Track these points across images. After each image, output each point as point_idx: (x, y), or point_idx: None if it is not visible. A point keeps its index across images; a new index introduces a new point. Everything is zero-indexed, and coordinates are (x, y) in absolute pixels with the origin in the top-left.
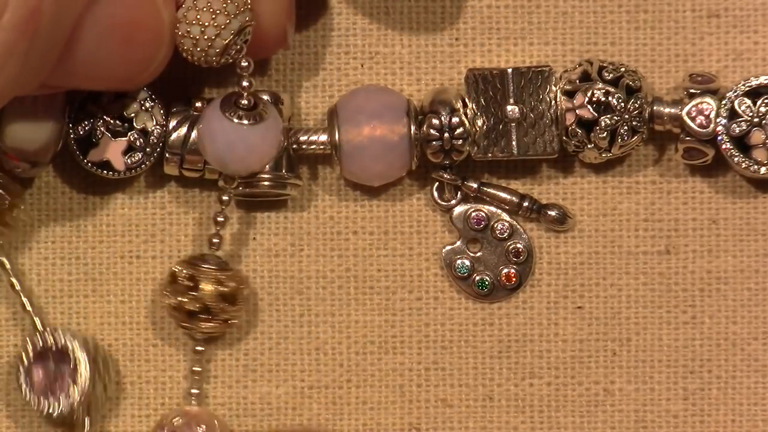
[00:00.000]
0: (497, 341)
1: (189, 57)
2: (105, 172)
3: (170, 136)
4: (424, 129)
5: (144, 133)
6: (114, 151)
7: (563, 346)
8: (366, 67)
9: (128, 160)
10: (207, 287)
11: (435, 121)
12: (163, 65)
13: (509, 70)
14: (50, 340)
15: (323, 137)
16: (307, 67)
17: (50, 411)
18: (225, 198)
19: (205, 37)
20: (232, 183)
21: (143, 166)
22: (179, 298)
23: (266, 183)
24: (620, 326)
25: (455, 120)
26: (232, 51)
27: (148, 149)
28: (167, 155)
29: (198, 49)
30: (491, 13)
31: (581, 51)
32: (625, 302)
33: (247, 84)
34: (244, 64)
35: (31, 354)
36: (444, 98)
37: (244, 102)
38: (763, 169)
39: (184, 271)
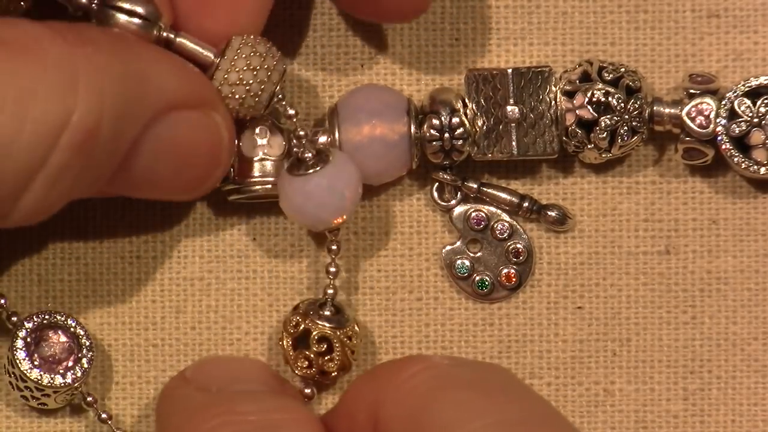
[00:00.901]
0: (497, 341)
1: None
2: None
3: None
4: (424, 129)
5: None
6: None
7: (563, 346)
8: (366, 67)
9: None
10: (317, 347)
11: (435, 122)
12: (220, 180)
13: (509, 71)
14: (58, 319)
15: (323, 138)
16: (307, 67)
17: (45, 383)
18: (333, 248)
19: (251, 95)
20: (336, 233)
21: None
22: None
23: (270, 186)
24: (620, 326)
25: (455, 120)
26: (274, 101)
27: None
28: None
29: (244, 107)
30: (491, 13)
31: (581, 51)
32: (625, 302)
33: (303, 133)
34: (291, 112)
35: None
36: (444, 98)
37: (308, 155)
38: (762, 170)
39: (297, 318)
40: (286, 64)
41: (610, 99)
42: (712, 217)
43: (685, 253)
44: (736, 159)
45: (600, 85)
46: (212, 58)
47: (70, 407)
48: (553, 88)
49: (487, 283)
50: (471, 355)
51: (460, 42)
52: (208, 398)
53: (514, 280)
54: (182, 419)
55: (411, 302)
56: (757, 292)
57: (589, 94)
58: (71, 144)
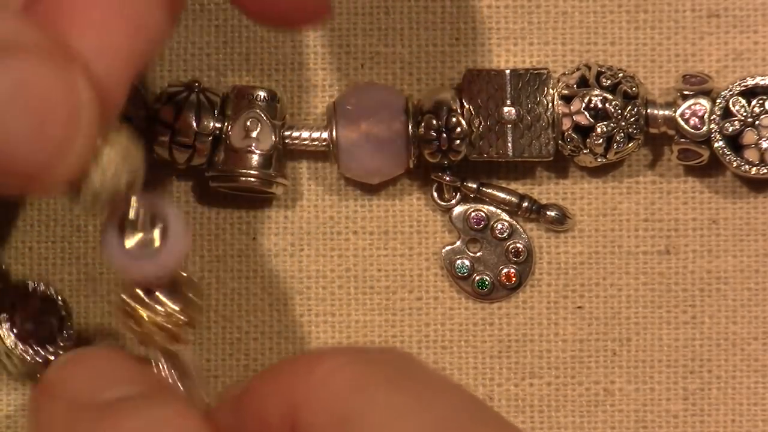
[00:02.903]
0: (497, 341)
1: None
2: None
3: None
4: (422, 129)
5: (127, 119)
6: None
7: (563, 346)
8: (366, 67)
9: None
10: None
11: (432, 121)
12: (82, 160)
13: (507, 72)
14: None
15: (318, 134)
16: (307, 67)
17: (30, 360)
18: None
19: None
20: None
21: None
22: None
23: (253, 180)
24: (620, 326)
25: (452, 120)
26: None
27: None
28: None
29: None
30: (491, 13)
31: (581, 51)
32: (625, 302)
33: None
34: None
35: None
36: (442, 98)
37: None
38: (753, 169)
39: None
40: (139, 175)
41: (607, 105)
42: (712, 217)
43: (685, 253)
44: (728, 157)
45: (597, 92)
46: None
47: None
48: (551, 91)
49: (487, 282)
50: (471, 355)
51: (460, 42)
52: (87, 416)
53: (514, 279)
54: None
55: (411, 302)
56: (757, 292)
57: (586, 100)
58: None
